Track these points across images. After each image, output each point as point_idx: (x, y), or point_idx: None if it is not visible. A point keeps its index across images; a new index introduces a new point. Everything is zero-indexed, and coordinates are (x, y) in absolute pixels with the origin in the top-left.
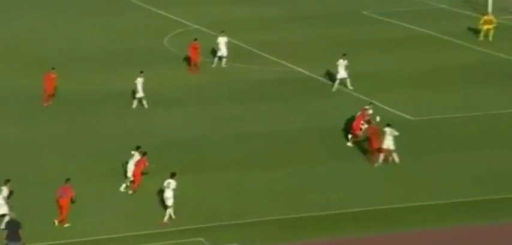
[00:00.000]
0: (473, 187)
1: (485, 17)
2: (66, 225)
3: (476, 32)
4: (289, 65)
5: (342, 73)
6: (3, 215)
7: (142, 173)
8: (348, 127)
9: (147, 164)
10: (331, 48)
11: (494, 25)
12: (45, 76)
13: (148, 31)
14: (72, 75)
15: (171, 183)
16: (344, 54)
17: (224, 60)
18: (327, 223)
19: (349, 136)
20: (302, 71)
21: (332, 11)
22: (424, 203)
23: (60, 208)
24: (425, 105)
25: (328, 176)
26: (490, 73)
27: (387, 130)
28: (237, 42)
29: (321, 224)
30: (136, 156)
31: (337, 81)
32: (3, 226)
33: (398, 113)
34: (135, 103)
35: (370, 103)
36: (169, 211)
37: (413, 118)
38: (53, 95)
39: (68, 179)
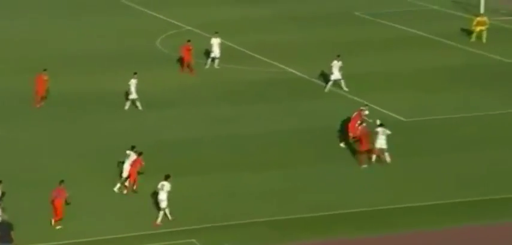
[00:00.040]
0: (465, 188)
1: (478, 18)
2: (58, 227)
3: (469, 33)
4: (282, 66)
5: (336, 74)
6: None
7: (138, 173)
8: (344, 128)
9: (143, 163)
10: (323, 49)
11: (487, 26)
12: (37, 78)
13: (140, 32)
14: (64, 76)
15: (165, 185)
16: (338, 56)
17: (217, 61)
18: (319, 224)
19: (350, 136)
20: (294, 72)
21: (324, 12)
22: (416, 204)
23: (55, 209)
24: (417, 106)
25: (320, 177)
26: (482, 74)
27: (379, 129)
28: (230, 44)
29: (313, 225)
30: (132, 156)
31: (330, 82)
32: None
33: (391, 114)
34: (127, 104)
35: (366, 104)
36: (163, 213)
37: (405, 119)
38: (45, 97)
39: (62, 181)
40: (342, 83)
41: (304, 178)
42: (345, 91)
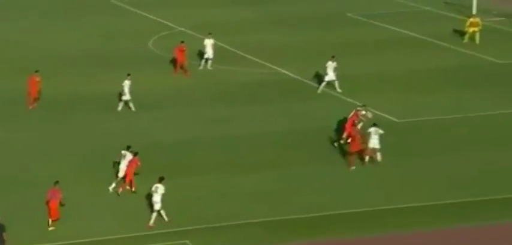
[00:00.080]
0: (456, 189)
1: (471, 19)
2: (50, 228)
3: (461, 34)
4: (274, 67)
5: (330, 75)
6: None
7: (134, 174)
8: (340, 129)
9: (139, 163)
10: (316, 51)
11: (479, 28)
12: (29, 79)
13: (132, 33)
14: (56, 77)
15: (159, 188)
16: (333, 57)
17: (210, 62)
18: (313, 225)
19: (346, 137)
20: (287, 73)
21: (317, 13)
22: (408, 205)
23: (50, 210)
24: (410, 107)
25: (313, 178)
26: (474, 75)
27: (372, 129)
28: (223, 45)
29: (307, 226)
30: (128, 156)
31: (323, 83)
32: None
33: (384, 115)
34: (120, 105)
35: (363, 105)
36: (156, 214)
37: (398, 120)
38: (38, 98)
39: (57, 182)
40: (336, 84)
41: (297, 179)
42: (338, 92)
